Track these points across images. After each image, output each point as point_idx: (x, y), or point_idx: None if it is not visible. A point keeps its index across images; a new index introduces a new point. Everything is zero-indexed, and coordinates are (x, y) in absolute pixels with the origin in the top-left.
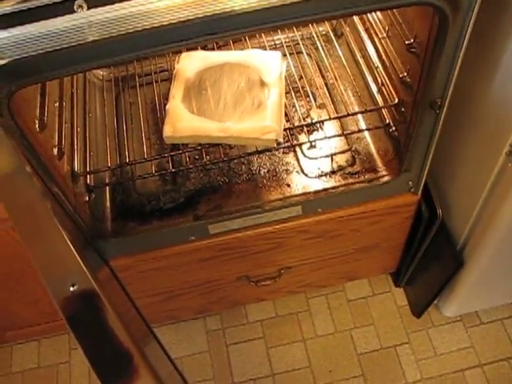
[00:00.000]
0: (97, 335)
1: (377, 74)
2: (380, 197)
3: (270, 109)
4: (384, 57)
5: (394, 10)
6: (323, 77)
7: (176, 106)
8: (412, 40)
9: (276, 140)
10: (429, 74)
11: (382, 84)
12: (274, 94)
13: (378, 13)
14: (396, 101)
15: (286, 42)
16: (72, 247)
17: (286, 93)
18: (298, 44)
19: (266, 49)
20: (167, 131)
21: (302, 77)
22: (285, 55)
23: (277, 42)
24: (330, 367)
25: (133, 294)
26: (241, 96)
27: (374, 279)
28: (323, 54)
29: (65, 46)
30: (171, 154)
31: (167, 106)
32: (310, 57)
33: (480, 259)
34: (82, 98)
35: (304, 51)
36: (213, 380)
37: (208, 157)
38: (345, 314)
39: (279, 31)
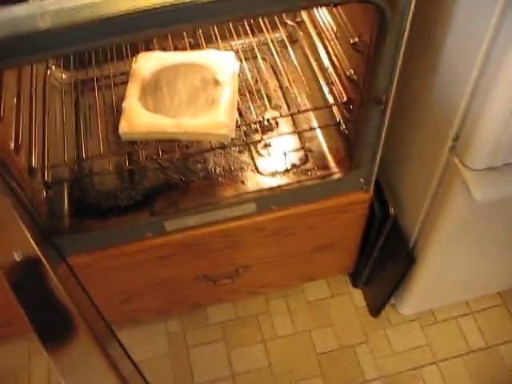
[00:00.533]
0: (39, 299)
1: (328, 75)
2: (333, 194)
3: (222, 106)
4: (333, 57)
5: (340, 11)
6: (278, 80)
7: (132, 103)
8: (357, 39)
9: (228, 135)
10: (372, 70)
11: (332, 84)
12: (227, 92)
13: (328, 16)
14: (345, 99)
15: (242, 48)
16: (18, 217)
17: (242, 95)
18: (255, 50)
19: None
20: (123, 127)
21: (257, 80)
22: (242, 60)
23: (234, 48)
24: (289, 367)
25: (92, 294)
26: (195, 94)
27: (332, 281)
28: (278, 59)
29: (17, 34)
30: (127, 150)
31: (123, 104)
32: (266, 61)
33: (430, 256)
34: (42, 98)
35: (260, 56)
36: (174, 382)
37: (165, 156)
38: (304, 315)
39: (235, 37)
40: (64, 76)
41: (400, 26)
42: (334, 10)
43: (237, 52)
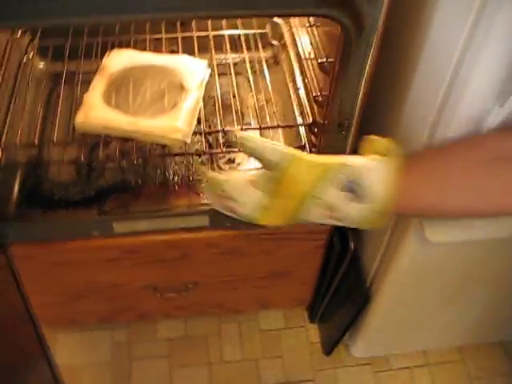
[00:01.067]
0: None
1: (300, 96)
2: None
3: (183, 111)
4: (305, 78)
5: (316, 33)
6: (254, 99)
7: (93, 96)
8: (325, 59)
9: (182, 141)
10: (335, 92)
11: (302, 105)
12: (190, 99)
13: (306, 37)
14: (310, 121)
15: (224, 63)
16: None
17: (215, 108)
18: (237, 66)
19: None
20: (79, 118)
21: (233, 96)
22: (222, 75)
23: (216, 62)
24: None
25: (33, 289)
26: (159, 96)
27: (289, 313)
28: (258, 78)
29: None
30: (88, 145)
31: (84, 96)
32: (246, 79)
33: (384, 298)
34: (12, 82)
35: (241, 73)
36: None
37: (125, 157)
38: (255, 343)
39: (219, 51)
40: (41, 66)
41: (366, 49)
42: (311, 30)
43: (218, 66)
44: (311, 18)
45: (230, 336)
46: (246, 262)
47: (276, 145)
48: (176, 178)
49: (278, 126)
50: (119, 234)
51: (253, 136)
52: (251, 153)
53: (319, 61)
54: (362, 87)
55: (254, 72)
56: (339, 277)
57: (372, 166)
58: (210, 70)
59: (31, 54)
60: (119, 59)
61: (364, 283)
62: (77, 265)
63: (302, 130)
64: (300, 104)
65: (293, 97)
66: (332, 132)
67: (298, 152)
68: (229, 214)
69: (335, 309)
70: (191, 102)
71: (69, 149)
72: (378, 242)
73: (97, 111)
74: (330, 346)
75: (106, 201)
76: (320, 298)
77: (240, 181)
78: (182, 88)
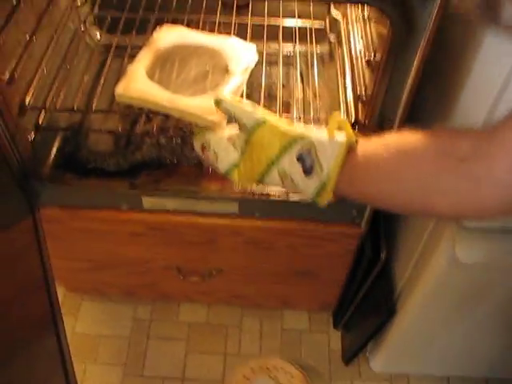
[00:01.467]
0: None
1: (347, 94)
2: (321, 219)
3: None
4: (354, 76)
5: (372, 29)
6: (304, 92)
7: (137, 69)
8: (372, 56)
9: (217, 123)
10: (379, 92)
11: (347, 103)
12: (233, 83)
13: (360, 34)
14: (352, 120)
15: (277, 53)
16: None
17: (263, 96)
18: (292, 57)
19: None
20: (119, 88)
21: (283, 86)
22: (276, 64)
23: (273, 51)
24: None
25: (60, 253)
26: (202, 77)
27: (314, 316)
28: (311, 72)
29: None
30: (130, 118)
31: (128, 68)
32: (299, 72)
33: (409, 314)
34: (65, 48)
35: (296, 65)
36: (123, 366)
37: (164, 136)
38: (274, 341)
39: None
40: (97, 36)
41: (413, 50)
42: (365, 27)
43: (270, 56)
44: (365, 13)
45: (251, 330)
46: (272, 255)
47: (250, 108)
48: None
49: (319, 121)
50: (147, 210)
51: (230, 98)
52: (227, 113)
53: (367, 58)
54: (406, 90)
55: (306, 65)
56: (367, 286)
57: (328, 142)
58: (257, 57)
59: (88, 23)
60: (169, 35)
61: (392, 295)
62: (103, 235)
63: None
64: (346, 101)
65: (341, 94)
66: (373, 131)
67: (271, 117)
68: (210, 165)
69: (360, 318)
70: (233, 86)
71: (110, 119)
72: (409, 255)
73: (137, 84)
74: (349, 356)
75: (139, 175)
76: (346, 305)
77: (224, 137)
78: (226, 71)
